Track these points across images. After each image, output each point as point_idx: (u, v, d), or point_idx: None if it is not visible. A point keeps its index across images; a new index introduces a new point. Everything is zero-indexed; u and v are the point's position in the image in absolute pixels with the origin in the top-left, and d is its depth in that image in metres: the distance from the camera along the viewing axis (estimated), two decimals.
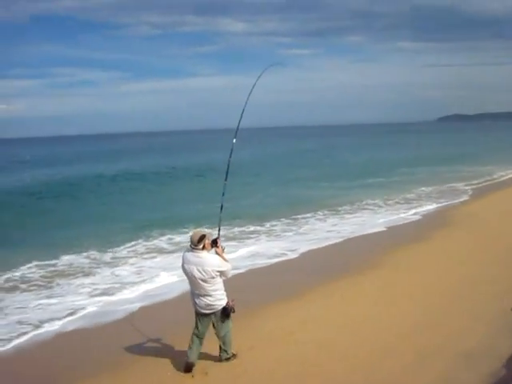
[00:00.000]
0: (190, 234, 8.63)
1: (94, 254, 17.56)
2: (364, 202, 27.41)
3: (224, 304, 8.36)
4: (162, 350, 9.51)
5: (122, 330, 11.02)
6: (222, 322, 8.43)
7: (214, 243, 8.54)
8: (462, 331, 9.59)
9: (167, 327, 10.85)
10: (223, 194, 8.94)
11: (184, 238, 18.95)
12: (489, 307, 10.73)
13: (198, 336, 8.46)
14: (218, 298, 8.30)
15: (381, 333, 9.77)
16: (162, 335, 10.18)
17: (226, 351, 8.61)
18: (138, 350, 9.69)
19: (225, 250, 8.72)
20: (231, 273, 8.58)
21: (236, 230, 20.69)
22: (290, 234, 20.31)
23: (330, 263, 15.98)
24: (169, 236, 20.03)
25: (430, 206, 25.63)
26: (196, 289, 8.29)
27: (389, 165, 48.20)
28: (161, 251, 17.92)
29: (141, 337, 10.26)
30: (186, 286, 9.51)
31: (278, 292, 12.78)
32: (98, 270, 15.61)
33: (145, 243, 19.04)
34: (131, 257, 17.18)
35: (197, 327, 8.47)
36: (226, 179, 9.05)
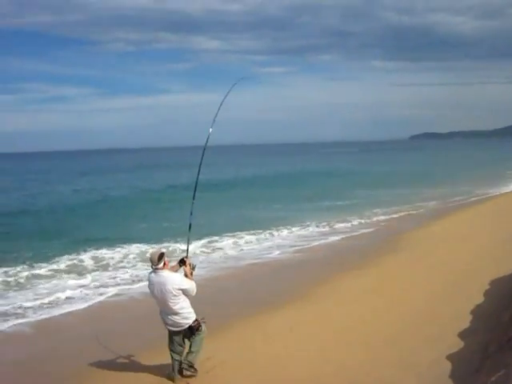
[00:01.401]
0: (148, 255, 8.68)
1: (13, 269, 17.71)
2: (299, 226, 26.16)
3: (191, 322, 8.38)
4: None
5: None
6: (191, 338, 8.48)
7: (182, 262, 8.67)
8: None
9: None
10: (191, 214, 9.04)
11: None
12: (422, 354, 9.32)
13: (175, 351, 8.53)
14: (184, 316, 8.34)
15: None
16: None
17: (191, 367, 8.56)
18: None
19: (195, 269, 8.81)
20: (195, 291, 8.43)
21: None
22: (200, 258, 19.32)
23: (241, 294, 14.85)
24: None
25: (369, 230, 24.42)
26: (162, 307, 8.39)
27: (354, 186, 46.74)
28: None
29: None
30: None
31: None
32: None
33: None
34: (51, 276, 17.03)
35: (171, 342, 8.55)
36: (193, 198, 9.16)
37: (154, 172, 79.53)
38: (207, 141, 9.68)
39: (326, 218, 28.41)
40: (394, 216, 29.06)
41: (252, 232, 24.27)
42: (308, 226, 26.21)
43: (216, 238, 22.66)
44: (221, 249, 21.00)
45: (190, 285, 8.38)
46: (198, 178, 9.37)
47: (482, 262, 15.85)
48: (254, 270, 17.69)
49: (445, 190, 40.53)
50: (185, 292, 8.31)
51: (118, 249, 20.79)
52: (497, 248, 17.79)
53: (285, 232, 24.56)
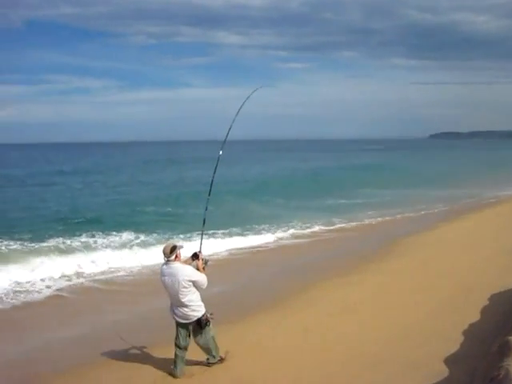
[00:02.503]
0: (163, 247, 8.61)
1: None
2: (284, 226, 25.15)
3: (200, 315, 8.46)
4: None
5: None
6: (199, 332, 8.58)
7: (195, 256, 8.78)
8: None
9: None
10: (206, 209, 9.22)
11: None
12: (403, 382, 8.32)
13: (180, 346, 8.64)
14: (193, 308, 8.43)
15: None
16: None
17: (212, 356, 8.89)
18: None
19: (208, 263, 8.90)
20: (205, 284, 8.52)
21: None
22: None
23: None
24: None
25: (361, 233, 23.26)
26: (172, 299, 8.48)
27: (364, 184, 44.96)
28: None
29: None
30: None
31: None
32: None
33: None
34: None
35: (177, 337, 8.66)
36: (209, 194, 9.43)
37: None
38: (222, 149, 9.65)
39: (317, 217, 27.31)
40: (394, 218, 27.71)
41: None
42: (292, 226, 25.24)
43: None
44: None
45: (201, 277, 8.46)
46: (214, 175, 9.42)
47: (484, 274, 14.69)
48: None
49: (455, 191, 38.91)
50: (195, 284, 8.40)
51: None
52: (503, 257, 16.60)
53: (264, 232, 23.70)
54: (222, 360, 8.98)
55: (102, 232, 21.87)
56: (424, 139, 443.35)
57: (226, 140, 9.86)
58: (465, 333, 10.13)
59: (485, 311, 11.31)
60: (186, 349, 8.72)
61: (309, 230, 24.38)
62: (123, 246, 19.88)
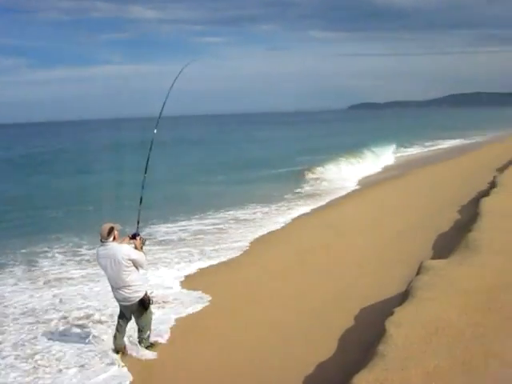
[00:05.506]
0: (100, 229, 8.25)
1: None
2: None
3: (141, 296, 8.21)
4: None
5: None
6: (141, 313, 8.31)
7: (133, 236, 8.63)
8: None
9: None
10: (142, 187, 9.00)
11: None
12: None
13: (121, 324, 8.43)
14: (135, 289, 8.16)
15: None
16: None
17: (144, 340, 8.48)
18: None
19: (146, 243, 8.83)
20: (145, 264, 8.42)
21: None
22: None
23: None
24: None
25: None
26: (113, 282, 8.21)
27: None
28: None
29: None
30: None
31: None
32: None
33: None
34: None
35: (120, 316, 8.44)
36: (145, 172, 9.22)
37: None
38: (156, 127, 9.62)
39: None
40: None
41: None
42: None
43: None
44: None
45: (140, 256, 8.25)
46: (149, 153, 9.23)
47: (365, 273, 12.16)
48: None
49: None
50: (135, 263, 8.16)
51: None
52: (393, 245, 14.18)
53: None
54: (152, 346, 8.55)
55: None
56: (343, 110, 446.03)
57: (158, 120, 9.71)
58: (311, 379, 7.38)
59: (345, 341, 8.59)
60: (126, 325, 8.51)
61: None
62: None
